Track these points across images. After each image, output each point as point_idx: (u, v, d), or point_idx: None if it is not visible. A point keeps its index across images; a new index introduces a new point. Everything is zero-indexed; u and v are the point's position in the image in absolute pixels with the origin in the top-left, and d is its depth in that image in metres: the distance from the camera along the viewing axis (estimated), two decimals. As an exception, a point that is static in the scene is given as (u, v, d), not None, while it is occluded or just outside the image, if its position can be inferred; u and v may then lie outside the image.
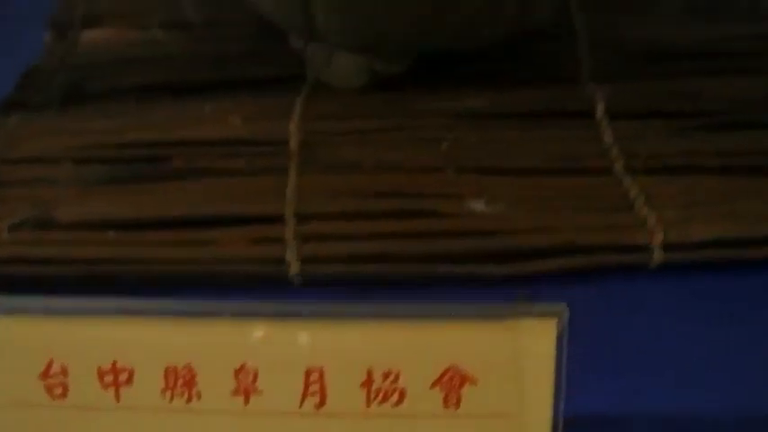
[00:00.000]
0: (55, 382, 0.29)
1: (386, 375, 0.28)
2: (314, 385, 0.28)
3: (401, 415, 0.28)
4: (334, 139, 0.48)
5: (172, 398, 0.29)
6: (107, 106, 0.52)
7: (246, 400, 0.28)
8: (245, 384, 0.28)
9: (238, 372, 0.28)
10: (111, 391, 0.29)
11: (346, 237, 0.42)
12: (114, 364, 0.29)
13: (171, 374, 0.29)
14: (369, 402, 0.28)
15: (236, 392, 0.28)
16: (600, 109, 0.49)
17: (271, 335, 0.29)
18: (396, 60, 0.50)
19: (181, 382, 0.28)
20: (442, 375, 0.28)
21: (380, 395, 0.28)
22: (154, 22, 0.58)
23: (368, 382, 0.28)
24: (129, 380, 0.29)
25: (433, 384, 0.28)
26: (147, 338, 0.29)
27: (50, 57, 0.57)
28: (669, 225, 0.42)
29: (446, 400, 0.28)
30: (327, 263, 0.41)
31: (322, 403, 0.28)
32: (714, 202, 0.44)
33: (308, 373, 0.28)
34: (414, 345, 0.28)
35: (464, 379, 0.28)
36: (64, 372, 0.29)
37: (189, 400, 0.29)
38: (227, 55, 0.55)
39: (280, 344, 0.29)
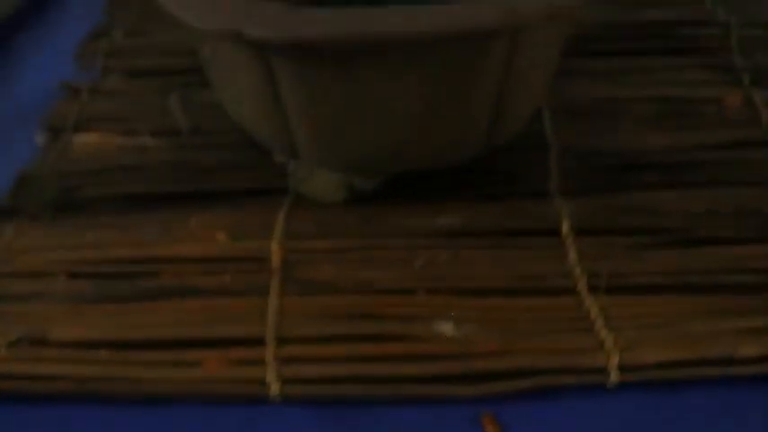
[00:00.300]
0: None
1: None
2: None
3: None
4: (314, 257, 0.53)
5: None
6: (98, 216, 0.57)
7: None
8: None
9: None
10: None
11: (323, 359, 0.47)
12: None
13: None
14: None
15: None
16: (566, 226, 0.54)
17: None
18: (373, 178, 0.55)
19: None
20: None
21: None
22: (143, 129, 0.63)
23: None
24: None
25: None
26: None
27: (44, 161, 0.62)
28: (625, 347, 0.47)
29: None
30: (305, 384, 0.46)
31: None
32: (669, 323, 0.48)
33: None
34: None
35: None
36: None
37: None
38: (214, 165, 0.60)
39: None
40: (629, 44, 0.70)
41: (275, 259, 0.52)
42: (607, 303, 0.50)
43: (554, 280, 0.51)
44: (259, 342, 0.48)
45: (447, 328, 0.48)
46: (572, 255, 0.52)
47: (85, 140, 0.63)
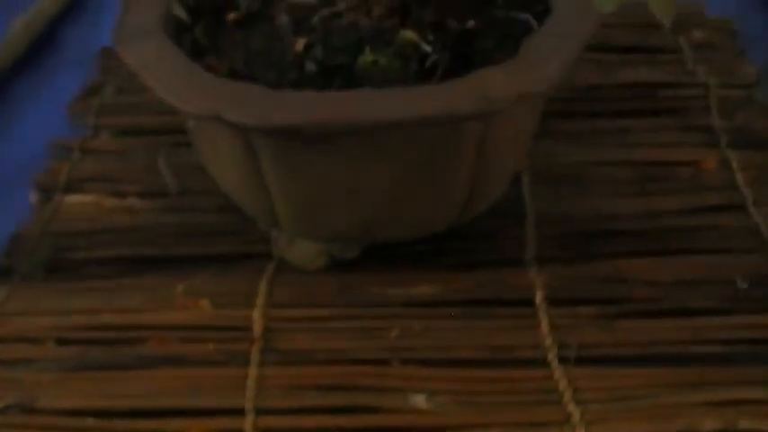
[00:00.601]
0: None
1: None
2: None
3: None
4: (293, 326, 0.55)
5: None
6: (87, 280, 0.60)
7: None
8: None
9: None
10: None
11: (300, 430, 0.50)
12: None
13: None
14: None
15: None
16: (539, 296, 0.56)
17: None
18: (352, 246, 0.58)
19: None
20: None
21: None
22: (132, 190, 0.66)
23: None
24: None
25: None
26: None
27: (36, 222, 0.65)
28: (592, 421, 0.50)
29: None
30: (283, 454, 0.49)
31: None
32: (636, 396, 0.51)
33: None
34: None
35: None
36: None
37: None
38: (200, 228, 0.63)
39: None
40: (608, 105, 0.72)
41: (256, 328, 0.55)
42: (576, 375, 0.52)
43: (526, 351, 0.54)
44: (239, 412, 0.51)
45: (420, 399, 0.51)
46: (544, 325, 0.55)
47: (76, 201, 0.66)
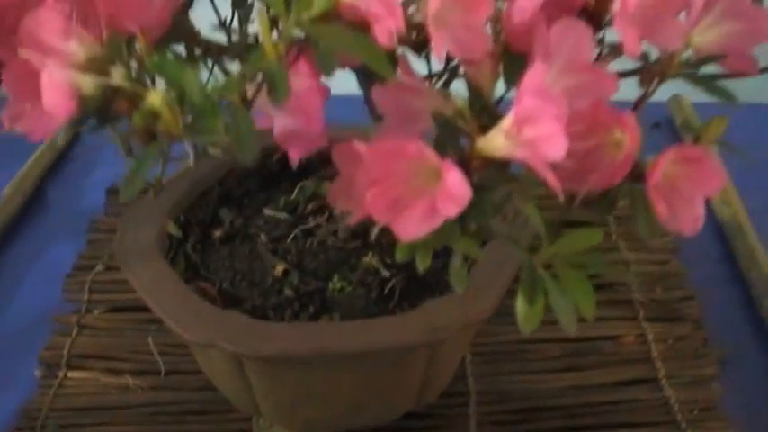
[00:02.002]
0: None
1: None
2: None
3: None
4: None
5: None
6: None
7: None
8: None
9: None
10: None
11: None
12: None
13: None
14: None
15: None
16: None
17: None
18: (322, 431, 0.73)
19: None
20: None
21: None
22: (126, 368, 0.80)
23: None
24: None
25: None
26: None
27: (42, 396, 0.78)
28: None
29: None
30: None
31: None
32: None
33: None
34: None
35: None
36: None
37: None
38: (189, 407, 0.77)
39: None
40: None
41: None
42: None
43: None
44: None
45: None
46: None
47: (77, 376, 0.80)
